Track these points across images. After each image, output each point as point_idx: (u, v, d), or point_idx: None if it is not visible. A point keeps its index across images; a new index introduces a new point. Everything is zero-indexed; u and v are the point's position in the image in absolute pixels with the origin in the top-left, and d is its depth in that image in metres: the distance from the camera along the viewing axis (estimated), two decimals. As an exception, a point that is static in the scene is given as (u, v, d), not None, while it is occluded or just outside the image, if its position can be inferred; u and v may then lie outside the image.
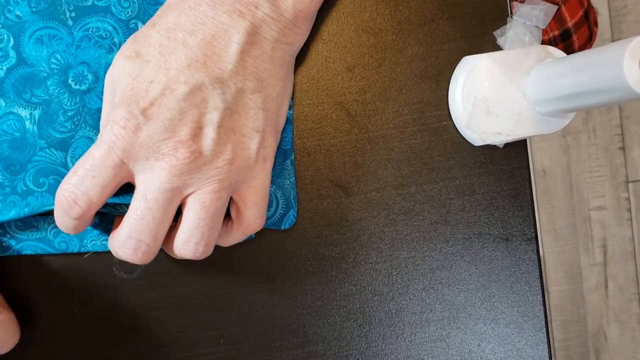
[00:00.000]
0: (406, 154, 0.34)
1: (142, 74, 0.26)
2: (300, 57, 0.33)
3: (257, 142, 0.28)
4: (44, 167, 0.30)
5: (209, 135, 0.26)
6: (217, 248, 0.33)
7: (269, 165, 0.29)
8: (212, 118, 0.26)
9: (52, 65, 0.30)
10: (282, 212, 0.33)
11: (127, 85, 0.26)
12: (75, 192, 0.26)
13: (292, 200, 0.33)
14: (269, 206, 0.32)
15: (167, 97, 0.26)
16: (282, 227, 0.33)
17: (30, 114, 0.30)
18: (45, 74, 0.30)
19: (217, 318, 0.34)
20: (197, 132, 0.26)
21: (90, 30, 0.31)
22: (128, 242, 0.26)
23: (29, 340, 0.32)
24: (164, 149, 0.26)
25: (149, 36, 0.27)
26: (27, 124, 0.30)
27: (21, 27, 0.30)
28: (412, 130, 0.34)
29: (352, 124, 0.34)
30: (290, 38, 0.29)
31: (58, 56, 0.30)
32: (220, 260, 0.33)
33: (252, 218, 0.29)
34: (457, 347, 0.35)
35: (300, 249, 0.34)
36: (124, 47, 0.27)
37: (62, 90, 0.30)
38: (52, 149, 0.30)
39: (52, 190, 0.30)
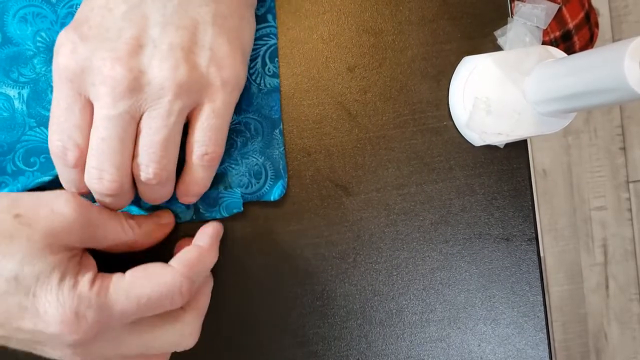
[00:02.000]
0: (407, 154, 0.34)
1: (84, 5, 0.26)
2: (301, 57, 0.33)
3: (206, 59, 0.26)
4: (35, 146, 0.30)
5: (149, 51, 0.25)
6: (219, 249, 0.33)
7: (232, 92, 0.27)
8: (153, 34, 0.25)
9: (38, 44, 0.30)
10: (272, 183, 0.32)
11: (71, 22, 0.26)
12: (61, 140, 0.26)
13: (282, 171, 0.32)
14: (258, 177, 0.32)
15: (105, 18, 0.25)
16: (272, 198, 0.32)
17: (19, 93, 0.30)
18: (32, 53, 0.30)
19: (217, 318, 0.34)
20: (137, 49, 0.25)
21: (74, 7, 0.30)
22: (92, 172, 0.26)
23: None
24: (104, 70, 0.25)
25: None
26: (16, 103, 0.30)
27: (4, 6, 0.30)
28: (412, 130, 0.34)
29: (352, 124, 0.34)
30: None
31: (43, 34, 0.30)
32: (220, 260, 0.33)
33: (197, 147, 0.27)
34: (458, 348, 0.35)
35: (300, 249, 0.34)
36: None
37: (49, 68, 0.30)
38: (42, 128, 0.30)
39: (44, 169, 0.30)
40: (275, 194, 0.32)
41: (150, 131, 0.26)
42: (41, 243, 0.24)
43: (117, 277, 0.25)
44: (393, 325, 0.35)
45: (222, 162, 0.31)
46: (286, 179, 0.33)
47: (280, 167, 0.32)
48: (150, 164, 0.26)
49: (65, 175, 0.27)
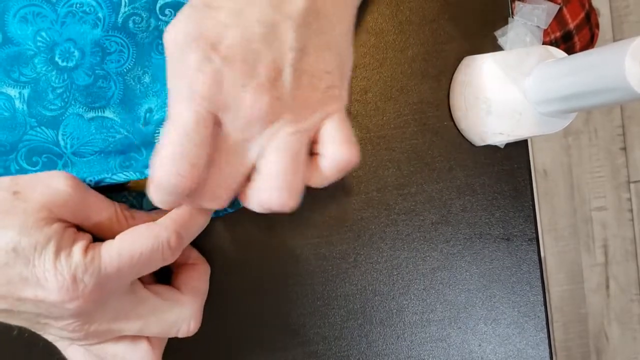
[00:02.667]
0: (407, 154, 0.34)
1: (213, 20, 0.24)
2: (302, 57, 0.33)
3: (327, 83, 0.26)
4: (36, 145, 0.30)
5: (287, 78, 0.25)
6: (215, 249, 0.33)
7: (343, 102, 0.27)
8: (288, 59, 0.25)
9: (39, 43, 0.30)
10: None
11: (196, 31, 0.24)
12: (181, 172, 0.24)
13: None
14: None
15: (242, 39, 0.24)
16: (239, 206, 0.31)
17: (20, 93, 0.30)
18: (32, 52, 0.30)
19: (217, 318, 0.34)
20: (276, 75, 0.24)
21: (74, 6, 0.30)
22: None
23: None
24: (244, 95, 0.24)
25: None
26: (17, 103, 0.30)
27: (5, 5, 0.30)
28: (413, 130, 0.34)
29: (353, 124, 0.34)
30: None
31: (43, 34, 0.30)
32: (219, 260, 0.33)
33: (337, 148, 0.27)
34: (458, 348, 0.35)
35: (301, 249, 0.34)
36: (187, 5, 0.25)
37: (49, 68, 0.30)
38: (43, 127, 0.30)
39: (46, 168, 0.30)
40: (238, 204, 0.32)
41: (280, 149, 0.26)
42: (37, 215, 0.25)
43: (107, 242, 0.26)
44: (393, 325, 0.35)
45: None
46: None
47: None
48: (285, 187, 0.26)
49: (162, 199, 0.26)
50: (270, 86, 0.24)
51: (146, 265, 0.27)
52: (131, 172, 0.29)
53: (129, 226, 0.29)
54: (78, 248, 0.25)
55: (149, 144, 0.31)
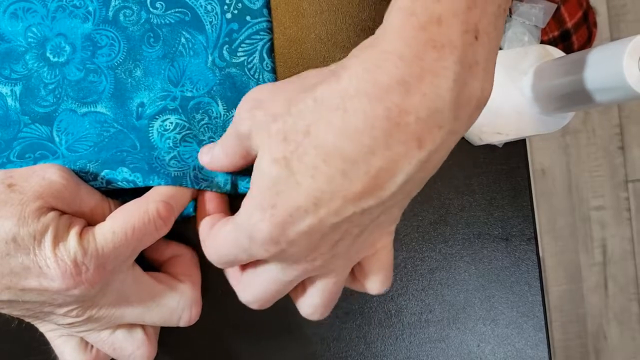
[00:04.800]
0: (405, 154, 0.34)
1: (288, 194, 0.23)
2: (298, 57, 0.33)
3: (385, 241, 0.27)
4: (31, 143, 0.30)
5: (346, 244, 0.25)
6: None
7: (393, 236, 0.28)
8: (353, 233, 0.24)
9: (29, 39, 0.30)
10: None
11: (270, 196, 0.23)
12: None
13: None
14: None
15: (314, 229, 0.23)
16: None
17: (11, 90, 0.30)
18: (23, 49, 0.30)
19: (215, 319, 0.33)
20: (336, 244, 0.25)
21: (64, 0, 0.30)
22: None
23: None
24: (302, 260, 0.25)
25: (304, 152, 0.22)
26: (9, 100, 0.30)
27: None
28: (411, 130, 0.34)
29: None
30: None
31: (34, 29, 0.30)
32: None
33: (376, 285, 0.28)
34: (457, 348, 0.35)
35: (299, 250, 0.34)
36: (273, 143, 0.23)
37: (41, 64, 0.30)
38: (37, 124, 0.30)
39: (36, 163, 0.30)
40: None
41: (325, 290, 0.28)
42: (33, 205, 0.25)
43: (99, 224, 0.27)
44: (392, 326, 0.35)
45: None
46: None
47: None
48: (324, 310, 0.29)
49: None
50: (327, 253, 0.25)
51: (141, 239, 0.27)
52: (125, 169, 0.29)
53: None
54: (73, 233, 0.26)
55: (143, 138, 0.31)
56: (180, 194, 0.30)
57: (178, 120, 0.31)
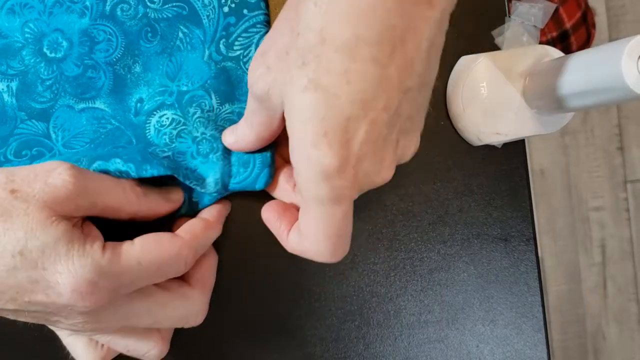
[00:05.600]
0: (404, 154, 0.34)
1: (332, 112, 0.21)
2: (298, 58, 0.33)
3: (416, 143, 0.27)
4: (28, 139, 0.30)
5: (402, 144, 0.25)
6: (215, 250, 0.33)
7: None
8: (404, 128, 0.24)
9: (26, 35, 0.30)
10: (258, 171, 0.31)
11: (316, 127, 0.22)
12: None
13: (270, 159, 0.31)
14: (246, 166, 0.31)
15: (373, 133, 0.22)
16: (257, 187, 0.31)
17: (8, 86, 0.30)
18: (20, 44, 0.30)
19: (214, 320, 0.33)
20: (397, 146, 0.25)
21: None
22: None
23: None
24: (379, 174, 0.25)
25: (329, 61, 0.21)
26: (5, 96, 0.30)
27: None
28: (410, 130, 0.34)
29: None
30: None
31: (31, 25, 0.30)
32: (219, 262, 0.33)
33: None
34: (456, 348, 0.35)
35: (298, 250, 0.34)
36: (294, 76, 0.22)
37: (38, 60, 0.30)
38: (34, 120, 0.30)
39: (34, 160, 0.30)
40: (260, 182, 0.31)
41: None
42: (39, 215, 0.24)
43: (127, 245, 0.26)
44: (391, 327, 0.35)
45: (215, 151, 0.31)
46: (273, 168, 0.31)
47: (269, 154, 0.30)
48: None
49: None
50: (392, 159, 0.25)
51: (159, 277, 0.27)
52: (118, 159, 0.28)
53: (140, 204, 0.28)
54: (96, 247, 0.25)
55: (140, 135, 0.31)
56: (207, 238, 0.30)
57: (174, 116, 0.31)
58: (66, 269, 0.24)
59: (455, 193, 0.35)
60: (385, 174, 0.25)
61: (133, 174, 0.28)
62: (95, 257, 0.24)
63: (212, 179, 0.30)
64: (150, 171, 0.28)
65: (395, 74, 0.21)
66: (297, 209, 0.29)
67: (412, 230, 0.35)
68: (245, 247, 0.33)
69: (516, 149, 0.35)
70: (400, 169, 0.34)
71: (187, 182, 0.30)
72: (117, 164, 0.28)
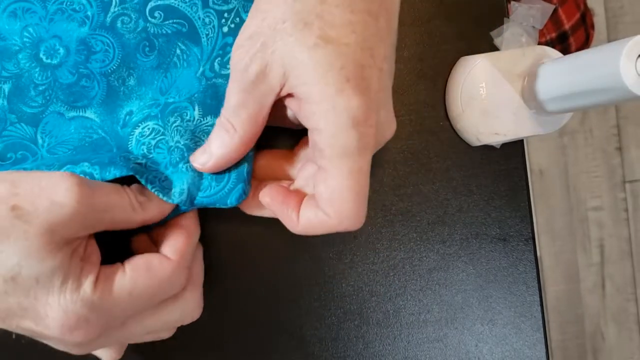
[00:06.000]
0: (403, 154, 0.34)
1: (346, 61, 0.23)
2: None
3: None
4: (14, 142, 0.30)
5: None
6: (210, 250, 0.33)
7: None
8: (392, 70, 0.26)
9: (25, 39, 0.30)
10: (231, 186, 0.29)
11: (335, 77, 0.23)
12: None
13: (245, 174, 0.29)
14: (219, 180, 0.29)
15: (385, 74, 0.24)
16: (228, 203, 0.29)
17: (0, 88, 0.30)
18: (17, 48, 0.30)
19: (214, 319, 0.33)
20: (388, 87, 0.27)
21: (65, 3, 0.30)
22: None
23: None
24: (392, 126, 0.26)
25: (331, 16, 0.23)
26: None
27: None
28: (409, 130, 0.34)
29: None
30: None
31: (31, 29, 0.30)
32: (216, 261, 0.33)
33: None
34: (455, 348, 0.35)
35: (297, 250, 0.34)
36: (298, 37, 0.23)
37: (33, 65, 0.30)
38: (23, 124, 0.30)
39: (17, 164, 0.30)
40: (232, 198, 0.29)
41: None
42: (40, 241, 0.22)
43: (119, 276, 0.25)
44: (390, 326, 0.35)
45: (186, 160, 0.29)
46: (249, 185, 0.29)
47: (245, 170, 0.29)
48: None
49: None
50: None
51: (154, 302, 0.26)
52: (86, 163, 0.28)
53: (144, 214, 0.27)
54: (88, 282, 0.24)
55: (122, 146, 0.30)
56: (193, 242, 0.29)
57: (155, 126, 0.30)
58: (57, 303, 0.23)
59: (454, 193, 0.35)
60: (393, 126, 0.26)
61: (97, 176, 0.27)
62: (87, 291, 0.23)
63: (177, 189, 0.29)
64: (113, 172, 0.27)
65: (385, 25, 0.23)
66: (297, 192, 0.29)
67: (411, 230, 0.35)
68: (245, 246, 0.33)
69: (515, 149, 0.35)
70: (399, 169, 0.34)
71: (150, 187, 0.28)
72: (83, 167, 0.28)
